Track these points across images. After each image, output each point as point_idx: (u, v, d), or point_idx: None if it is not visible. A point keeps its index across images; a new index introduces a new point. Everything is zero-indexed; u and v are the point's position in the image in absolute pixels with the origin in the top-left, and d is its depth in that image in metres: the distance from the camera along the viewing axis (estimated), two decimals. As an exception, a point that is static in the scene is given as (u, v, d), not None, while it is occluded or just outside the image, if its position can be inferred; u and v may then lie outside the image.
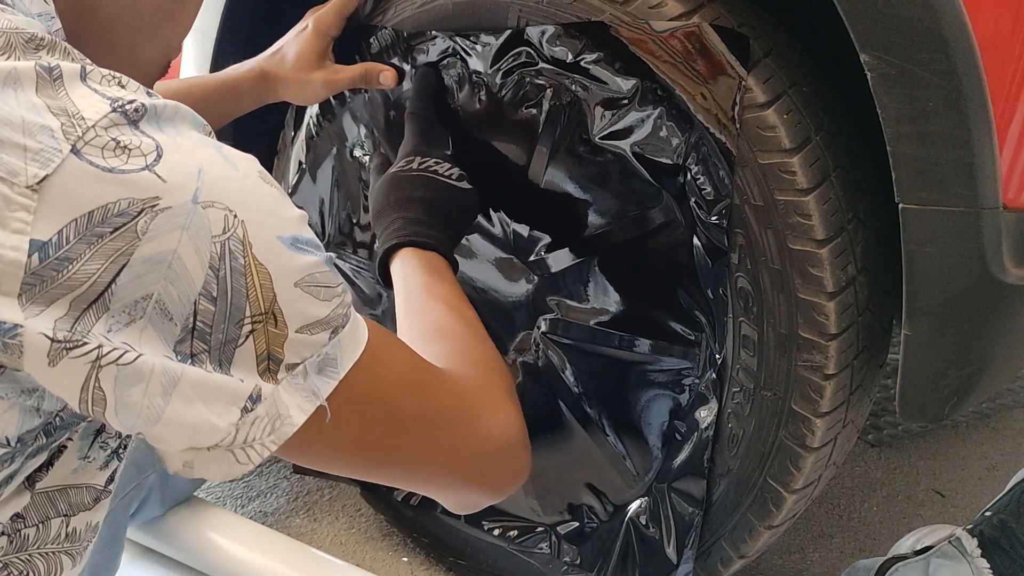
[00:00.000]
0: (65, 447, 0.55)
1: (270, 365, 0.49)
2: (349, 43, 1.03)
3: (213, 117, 0.98)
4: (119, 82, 0.47)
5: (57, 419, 0.52)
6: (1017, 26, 0.66)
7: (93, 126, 0.44)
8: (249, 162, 0.51)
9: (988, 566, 0.95)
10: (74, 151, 0.43)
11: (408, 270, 0.83)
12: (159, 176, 0.45)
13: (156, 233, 0.44)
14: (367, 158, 1.10)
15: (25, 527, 0.55)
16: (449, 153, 0.94)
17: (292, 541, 1.12)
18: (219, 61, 1.15)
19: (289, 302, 0.49)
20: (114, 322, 0.44)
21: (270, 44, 1.05)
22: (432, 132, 0.96)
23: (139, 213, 0.44)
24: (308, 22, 1.02)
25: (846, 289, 0.78)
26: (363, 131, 1.10)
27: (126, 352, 0.45)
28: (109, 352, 0.45)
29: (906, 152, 0.69)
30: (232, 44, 1.16)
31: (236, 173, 0.49)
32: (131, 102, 0.46)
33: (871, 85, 0.68)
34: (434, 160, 0.91)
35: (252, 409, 0.49)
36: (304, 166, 1.14)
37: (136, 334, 0.45)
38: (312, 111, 1.13)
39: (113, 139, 0.44)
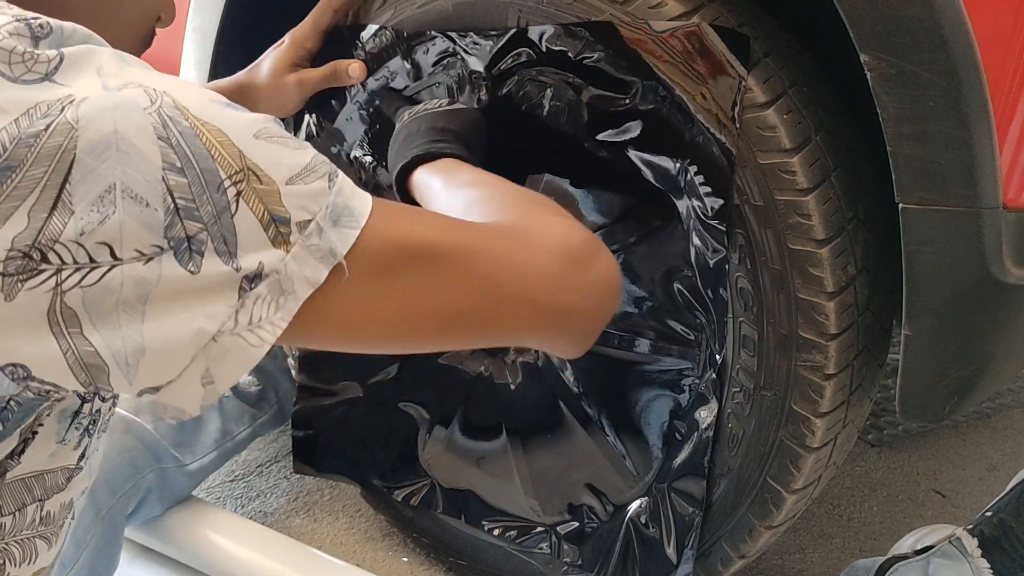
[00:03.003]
0: (36, 432, 0.53)
1: (279, 228, 0.46)
2: (348, 45, 1.03)
3: None
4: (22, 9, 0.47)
5: (12, 404, 0.50)
6: (1017, 26, 0.66)
7: None
8: (146, 64, 0.49)
9: (988, 566, 0.95)
10: None
11: (426, 178, 0.78)
12: (60, 83, 0.44)
13: (88, 119, 0.42)
14: (367, 158, 1.10)
15: (1, 516, 0.53)
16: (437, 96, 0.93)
17: (292, 541, 1.12)
18: (219, 61, 1.16)
19: (259, 154, 0.47)
20: (85, 223, 0.42)
21: (270, 44, 1.05)
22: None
23: (62, 110, 0.42)
24: (285, 36, 1.03)
25: (846, 289, 0.78)
26: (364, 136, 1.10)
27: (90, 271, 0.43)
28: (69, 275, 0.42)
29: (906, 152, 0.69)
30: (232, 44, 1.16)
31: (136, 68, 0.47)
32: (36, 18, 0.45)
33: (871, 85, 0.68)
34: (422, 104, 0.92)
35: (252, 288, 0.45)
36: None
37: (115, 230, 0.43)
38: (312, 111, 1.13)
39: (19, 47, 0.43)
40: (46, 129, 0.42)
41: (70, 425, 0.55)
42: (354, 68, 1.01)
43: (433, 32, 0.96)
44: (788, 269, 0.78)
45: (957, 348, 0.75)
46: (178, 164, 0.44)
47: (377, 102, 1.02)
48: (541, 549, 1.06)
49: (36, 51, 0.44)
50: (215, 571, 1.10)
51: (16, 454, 0.52)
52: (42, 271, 0.42)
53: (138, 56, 0.69)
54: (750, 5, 0.81)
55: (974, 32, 0.65)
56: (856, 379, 0.82)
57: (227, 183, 0.45)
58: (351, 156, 1.10)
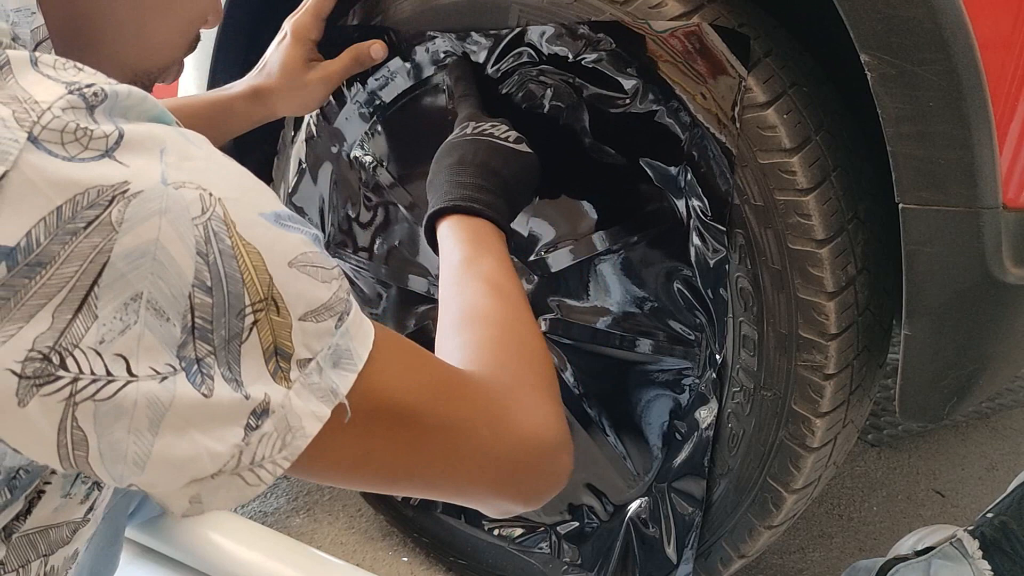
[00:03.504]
0: (43, 491, 0.51)
1: (280, 363, 0.45)
2: (347, 45, 1.03)
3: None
4: (75, 65, 0.43)
5: (21, 473, 0.48)
6: (1017, 26, 0.66)
7: (49, 108, 0.40)
8: (207, 142, 0.47)
9: (989, 568, 0.95)
10: (31, 139, 0.39)
11: (451, 241, 0.77)
12: (120, 161, 0.41)
13: (133, 222, 0.40)
14: (367, 158, 1.10)
15: (4, 573, 0.51)
16: (507, 122, 0.88)
17: (292, 541, 1.12)
18: (219, 60, 1.15)
19: (287, 284, 0.45)
20: (106, 331, 0.40)
21: (271, 40, 1.04)
22: (484, 106, 0.93)
23: (110, 202, 0.40)
24: (286, 30, 0.99)
25: (846, 289, 0.78)
26: (366, 136, 1.10)
27: (106, 384, 0.40)
28: (85, 387, 0.40)
29: (906, 152, 0.69)
30: (232, 46, 1.16)
31: (200, 152, 0.45)
32: (89, 86, 0.42)
33: (871, 85, 0.68)
34: (490, 124, 0.86)
35: (258, 426, 0.44)
36: (304, 166, 1.14)
37: (134, 343, 0.41)
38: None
39: (73, 122, 0.40)
40: (86, 227, 0.39)
41: (75, 479, 0.53)
42: (376, 48, 0.98)
43: (433, 32, 0.96)
44: (788, 269, 0.78)
45: (957, 348, 0.75)
46: (208, 283, 0.42)
47: (455, 74, 0.96)
48: (541, 549, 1.06)
49: (93, 126, 0.41)
50: (215, 571, 1.10)
51: (23, 515, 0.51)
52: (59, 378, 0.40)
53: (188, 53, 0.67)
54: (750, 5, 0.81)
55: (974, 32, 0.65)
56: (856, 379, 0.82)
57: (248, 310, 0.44)
58: (351, 156, 1.10)
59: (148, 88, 0.62)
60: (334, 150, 1.13)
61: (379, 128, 1.08)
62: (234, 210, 0.44)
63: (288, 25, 1.00)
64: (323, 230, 1.17)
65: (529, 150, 0.85)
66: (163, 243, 0.41)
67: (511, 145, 0.84)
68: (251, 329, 0.44)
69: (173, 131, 0.44)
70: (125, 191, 0.40)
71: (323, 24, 0.99)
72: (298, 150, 1.14)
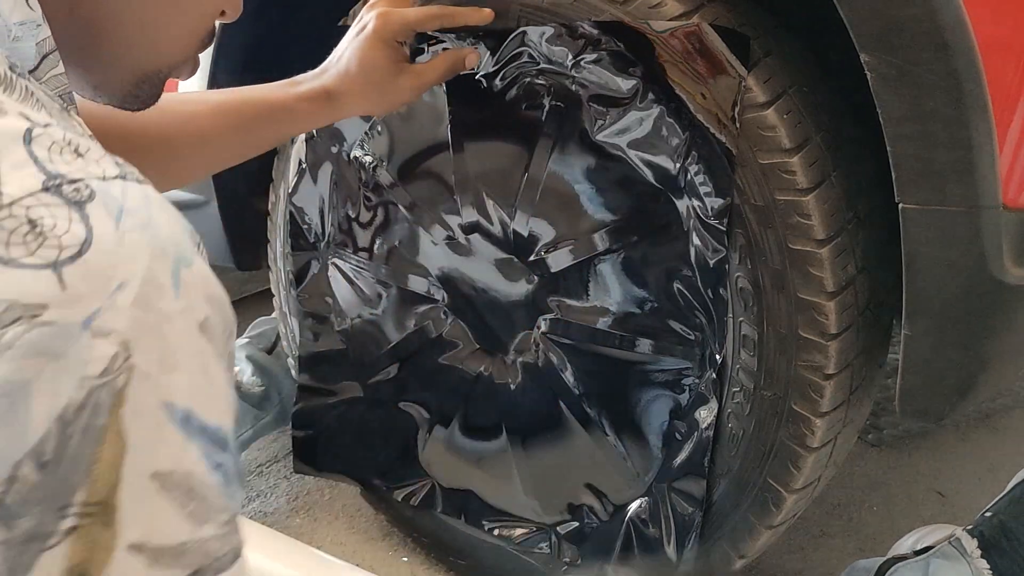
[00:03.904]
0: None
1: None
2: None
3: (256, 142, 0.90)
4: (75, 150, 0.37)
5: None
6: (1017, 26, 0.66)
7: (10, 204, 0.34)
8: (206, 304, 0.38)
9: (988, 567, 0.95)
10: None
11: None
12: (61, 279, 0.34)
13: (18, 353, 0.33)
14: (367, 158, 1.10)
15: None
16: None
17: (292, 541, 1.12)
18: (219, 59, 1.15)
19: (135, 496, 0.35)
20: None
21: (270, 44, 1.03)
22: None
23: (13, 322, 0.33)
24: (368, 24, 0.87)
25: (846, 289, 0.78)
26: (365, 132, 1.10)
27: None
28: None
29: (906, 152, 0.69)
30: (231, 44, 1.16)
31: (172, 304, 0.36)
32: (74, 182, 0.35)
33: (871, 85, 0.68)
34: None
35: None
36: (304, 166, 1.14)
37: None
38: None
39: (29, 221, 0.34)
40: None
41: None
42: (471, 58, 0.91)
43: (433, 32, 0.96)
44: (788, 269, 0.78)
45: (957, 348, 0.75)
46: (46, 458, 0.33)
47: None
48: (541, 549, 1.06)
49: (53, 230, 0.34)
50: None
51: None
52: None
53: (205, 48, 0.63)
54: (750, 5, 0.81)
55: (974, 32, 0.65)
56: (856, 379, 0.82)
57: (74, 509, 0.34)
58: (351, 156, 1.10)
59: (159, 87, 0.61)
60: (334, 150, 1.13)
61: (379, 128, 1.08)
62: (139, 387, 0.35)
63: (373, 22, 0.87)
64: (323, 230, 1.17)
65: None
66: (31, 391, 0.33)
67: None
68: (64, 536, 0.34)
69: (168, 265, 0.37)
70: (36, 316, 0.33)
71: (414, 35, 0.91)
72: (298, 150, 1.14)
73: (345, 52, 0.88)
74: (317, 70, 0.90)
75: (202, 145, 0.86)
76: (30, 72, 0.46)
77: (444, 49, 0.95)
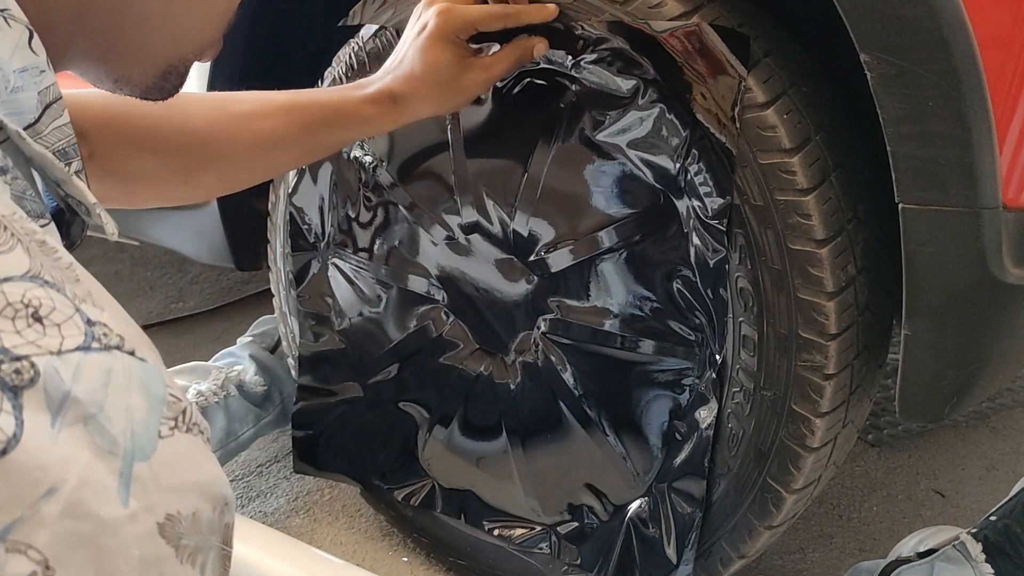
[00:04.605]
0: None
1: None
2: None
3: (321, 146, 0.87)
4: (33, 313, 0.32)
5: None
6: (1017, 26, 0.66)
7: None
8: (177, 498, 0.34)
9: (992, 571, 0.95)
10: None
11: None
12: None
13: None
14: (367, 158, 1.10)
15: None
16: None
17: (292, 541, 1.12)
18: (219, 63, 1.15)
19: None
20: None
21: (268, 48, 1.02)
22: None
23: None
24: (428, 23, 0.84)
25: (846, 289, 0.78)
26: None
27: None
28: None
29: (906, 152, 0.69)
30: (229, 48, 1.15)
31: (117, 511, 0.32)
32: (18, 360, 0.31)
33: (871, 85, 0.68)
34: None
35: None
36: (304, 166, 1.14)
37: None
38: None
39: None
40: None
41: None
42: (540, 47, 0.86)
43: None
44: (788, 269, 0.78)
45: (957, 348, 0.75)
46: None
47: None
48: (541, 549, 1.06)
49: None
50: (215, 571, 1.10)
51: None
52: None
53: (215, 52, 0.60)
54: (750, 5, 0.81)
55: (974, 32, 0.65)
56: (856, 379, 0.82)
57: None
58: (351, 156, 1.10)
59: (185, 74, 0.58)
60: (334, 150, 1.13)
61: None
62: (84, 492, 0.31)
63: (434, 20, 0.84)
64: (323, 230, 1.17)
65: None
66: None
67: None
68: None
69: (114, 465, 0.32)
70: None
71: (475, 32, 0.87)
72: (298, 150, 1.14)
73: (407, 53, 0.85)
74: (380, 72, 0.88)
75: (268, 148, 0.83)
76: (29, 127, 0.43)
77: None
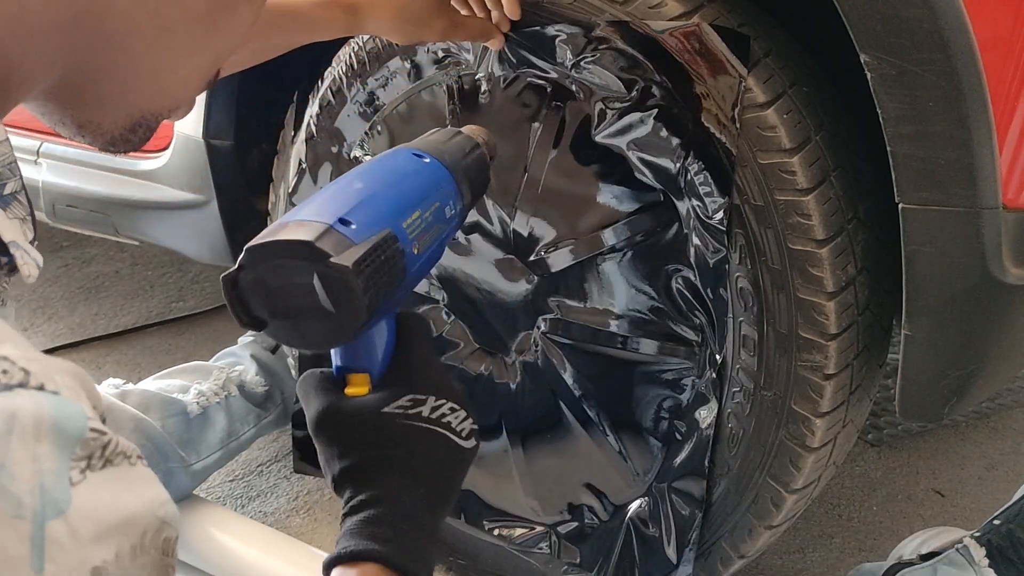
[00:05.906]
0: None
1: None
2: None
3: (268, 48, 0.84)
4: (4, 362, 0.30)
5: None
6: (1017, 26, 0.66)
7: None
8: (98, 548, 0.31)
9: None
10: None
11: None
12: None
13: None
14: (367, 158, 1.10)
15: None
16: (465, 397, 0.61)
17: (292, 540, 1.12)
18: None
19: None
20: None
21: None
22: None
23: None
24: None
25: (846, 289, 0.78)
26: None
27: None
28: None
29: (906, 152, 0.69)
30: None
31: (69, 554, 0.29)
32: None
33: (871, 85, 0.68)
34: (450, 406, 0.59)
35: None
36: (304, 166, 1.14)
37: None
38: (312, 111, 1.13)
39: None
40: None
41: None
42: (495, 43, 0.90)
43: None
44: (788, 269, 0.78)
45: (957, 348, 0.75)
46: None
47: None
48: (541, 549, 1.06)
49: None
50: (216, 569, 1.10)
51: None
52: None
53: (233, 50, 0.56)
54: (750, 5, 0.81)
55: (974, 32, 0.65)
56: (856, 379, 0.82)
57: None
58: (351, 156, 1.10)
59: (153, 130, 0.54)
60: (334, 150, 1.13)
61: (379, 128, 1.08)
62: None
63: None
64: (323, 230, 1.17)
65: (476, 442, 0.60)
66: None
67: (462, 442, 0.59)
68: None
69: (16, 526, 0.28)
70: None
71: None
72: (298, 150, 1.14)
73: None
74: None
75: None
76: None
77: (449, 54, 0.94)
